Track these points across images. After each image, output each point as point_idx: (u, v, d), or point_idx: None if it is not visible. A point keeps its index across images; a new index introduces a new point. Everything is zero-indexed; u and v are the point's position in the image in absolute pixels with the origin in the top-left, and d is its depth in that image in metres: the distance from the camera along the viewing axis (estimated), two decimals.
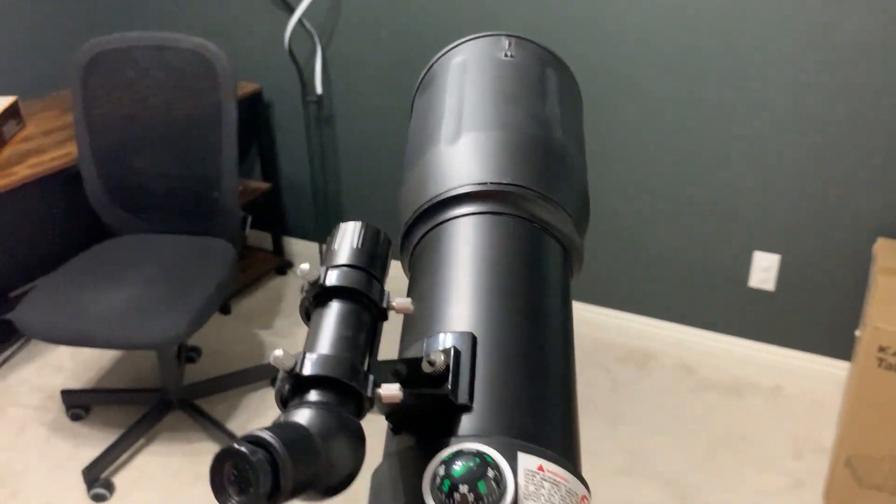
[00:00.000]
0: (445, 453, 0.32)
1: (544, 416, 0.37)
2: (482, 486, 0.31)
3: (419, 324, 0.41)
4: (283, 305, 2.82)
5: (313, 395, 0.30)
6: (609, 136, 2.30)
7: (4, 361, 2.53)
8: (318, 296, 0.34)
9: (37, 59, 2.72)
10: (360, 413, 0.31)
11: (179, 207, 2.21)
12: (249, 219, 2.85)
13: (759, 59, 2.04)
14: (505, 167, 0.47)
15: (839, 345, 2.24)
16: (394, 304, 0.34)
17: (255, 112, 2.78)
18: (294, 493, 0.26)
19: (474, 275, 0.42)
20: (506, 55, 0.55)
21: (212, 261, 2.09)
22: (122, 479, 2.05)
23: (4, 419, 2.29)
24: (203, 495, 1.99)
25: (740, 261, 2.27)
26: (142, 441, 2.17)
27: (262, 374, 2.39)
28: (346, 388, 0.30)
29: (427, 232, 0.46)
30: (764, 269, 2.24)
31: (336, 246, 0.35)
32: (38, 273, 2.01)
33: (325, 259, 0.35)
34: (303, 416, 0.28)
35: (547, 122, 0.50)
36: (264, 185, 2.86)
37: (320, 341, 0.32)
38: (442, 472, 0.32)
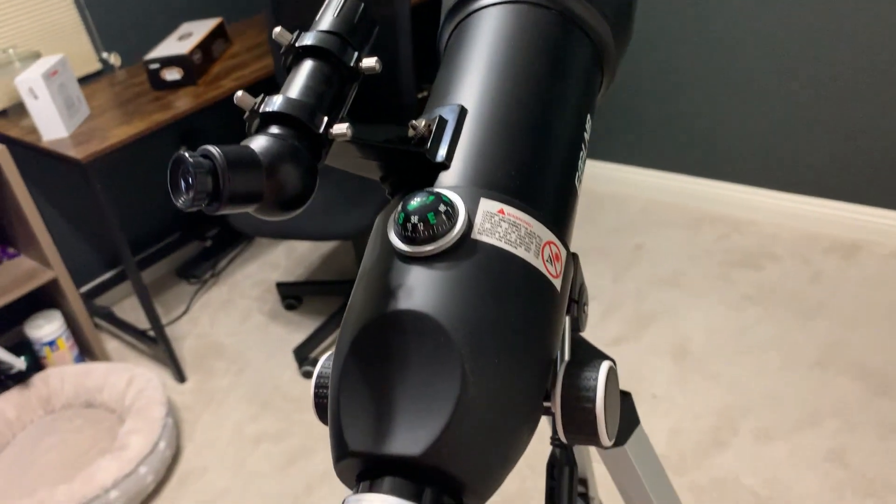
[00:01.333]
0: (409, 196, 0.36)
1: (526, 180, 0.39)
2: (431, 218, 0.34)
3: (431, 103, 0.44)
4: None
5: (272, 129, 0.34)
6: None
7: (232, 260, 2.86)
8: (295, 57, 0.37)
9: None
10: (317, 151, 0.34)
11: (363, 112, 2.33)
12: None
13: None
14: None
15: None
16: (362, 64, 0.37)
17: (437, 15, 2.83)
18: (238, 200, 0.31)
19: (486, 56, 0.43)
20: None
21: None
22: None
23: (233, 308, 2.61)
24: None
25: None
26: None
27: None
28: (300, 125, 0.34)
29: (455, 27, 0.48)
30: None
31: (318, 17, 0.38)
32: None
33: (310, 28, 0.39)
34: (256, 142, 0.33)
35: None
36: None
37: (287, 89, 0.36)
38: (399, 208, 0.35)
